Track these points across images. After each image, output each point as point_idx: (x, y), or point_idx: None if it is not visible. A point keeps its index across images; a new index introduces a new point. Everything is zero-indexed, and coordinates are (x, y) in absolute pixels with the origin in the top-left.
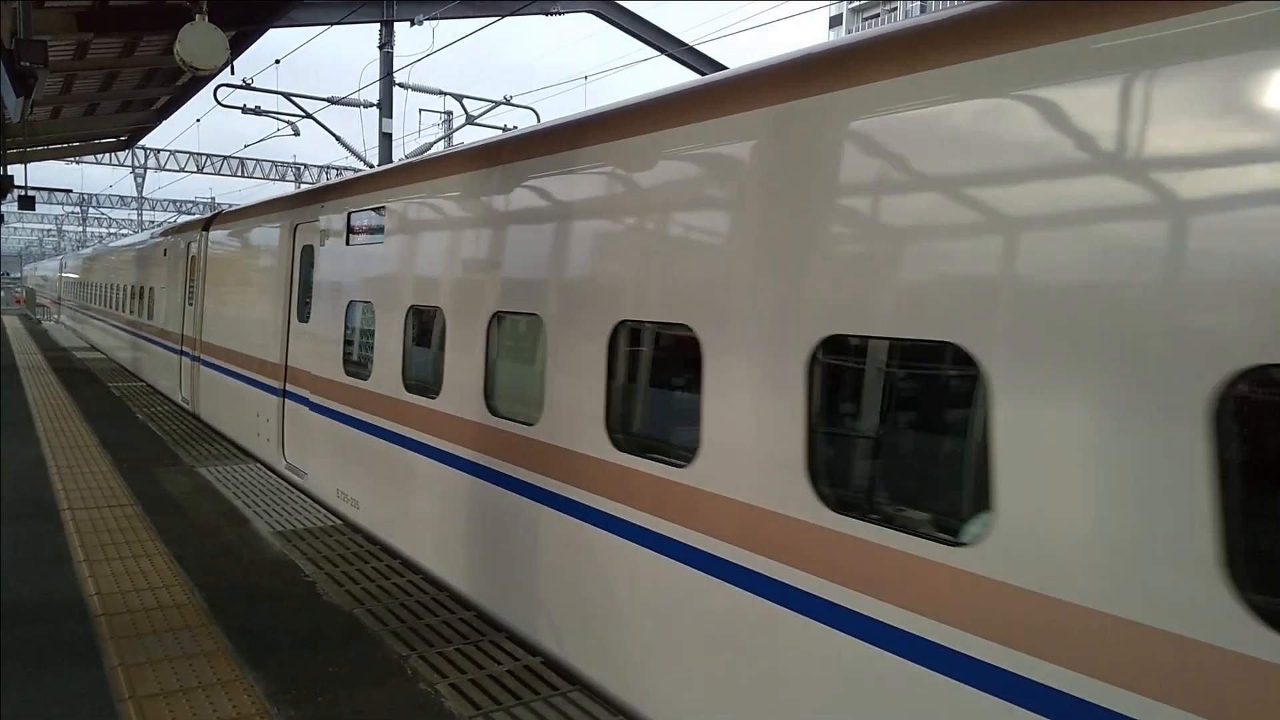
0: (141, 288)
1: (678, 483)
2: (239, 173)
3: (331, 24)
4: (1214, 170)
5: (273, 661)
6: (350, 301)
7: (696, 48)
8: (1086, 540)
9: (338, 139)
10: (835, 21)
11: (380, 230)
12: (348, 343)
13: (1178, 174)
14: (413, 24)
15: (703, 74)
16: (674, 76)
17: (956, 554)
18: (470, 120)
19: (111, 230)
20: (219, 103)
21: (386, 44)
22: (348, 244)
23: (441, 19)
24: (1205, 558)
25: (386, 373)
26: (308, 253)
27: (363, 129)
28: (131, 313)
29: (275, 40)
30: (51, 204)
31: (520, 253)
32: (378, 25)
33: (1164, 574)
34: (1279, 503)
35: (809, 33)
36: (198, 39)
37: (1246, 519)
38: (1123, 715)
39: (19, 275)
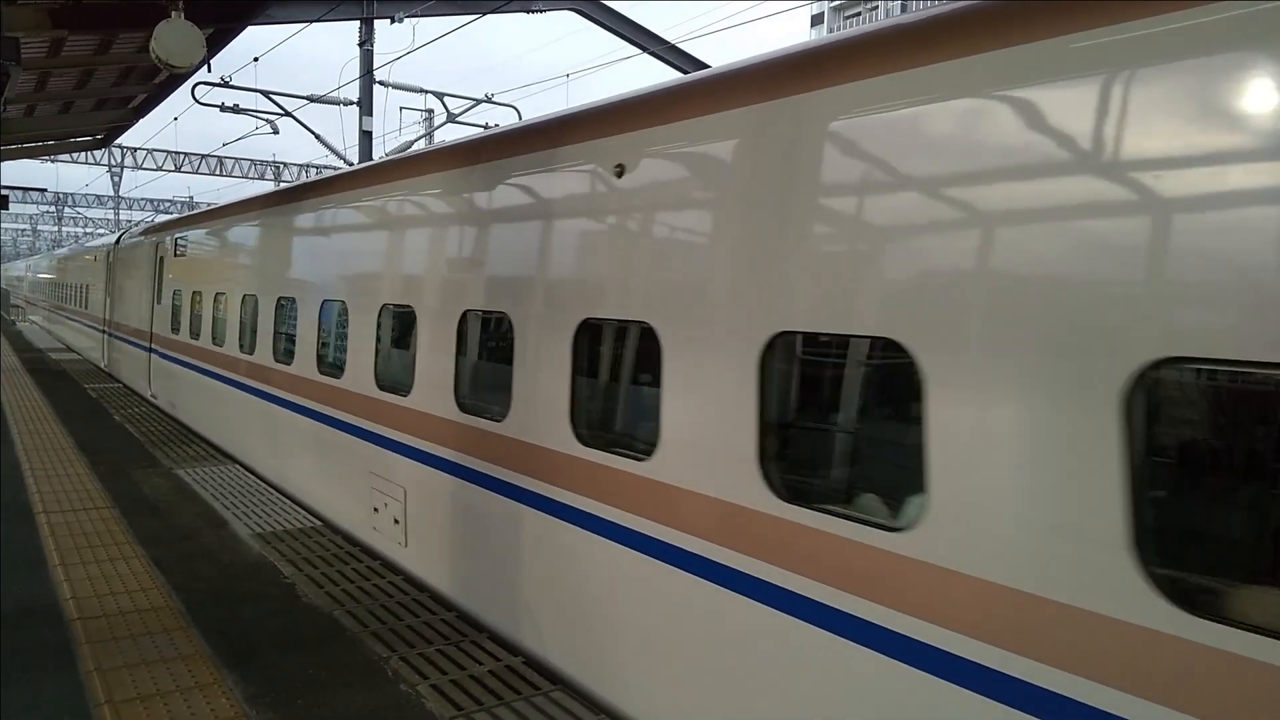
0: (79, 285)
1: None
2: (217, 171)
3: (310, 21)
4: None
5: (252, 664)
6: (175, 289)
7: (678, 46)
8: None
9: (317, 137)
10: (817, 20)
11: (185, 248)
12: (173, 311)
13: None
14: (393, 21)
15: (685, 72)
16: (656, 75)
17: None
18: (451, 118)
19: (88, 230)
20: (197, 101)
21: (366, 41)
22: (175, 256)
23: (422, 16)
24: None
25: (185, 328)
26: (161, 260)
27: (343, 127)
28: (74, 304)
29: (254, 38)
30: (26, 203)
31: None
32: (357, 22)
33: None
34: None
35: (791, 32)
36: (174, 36)
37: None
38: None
39: None
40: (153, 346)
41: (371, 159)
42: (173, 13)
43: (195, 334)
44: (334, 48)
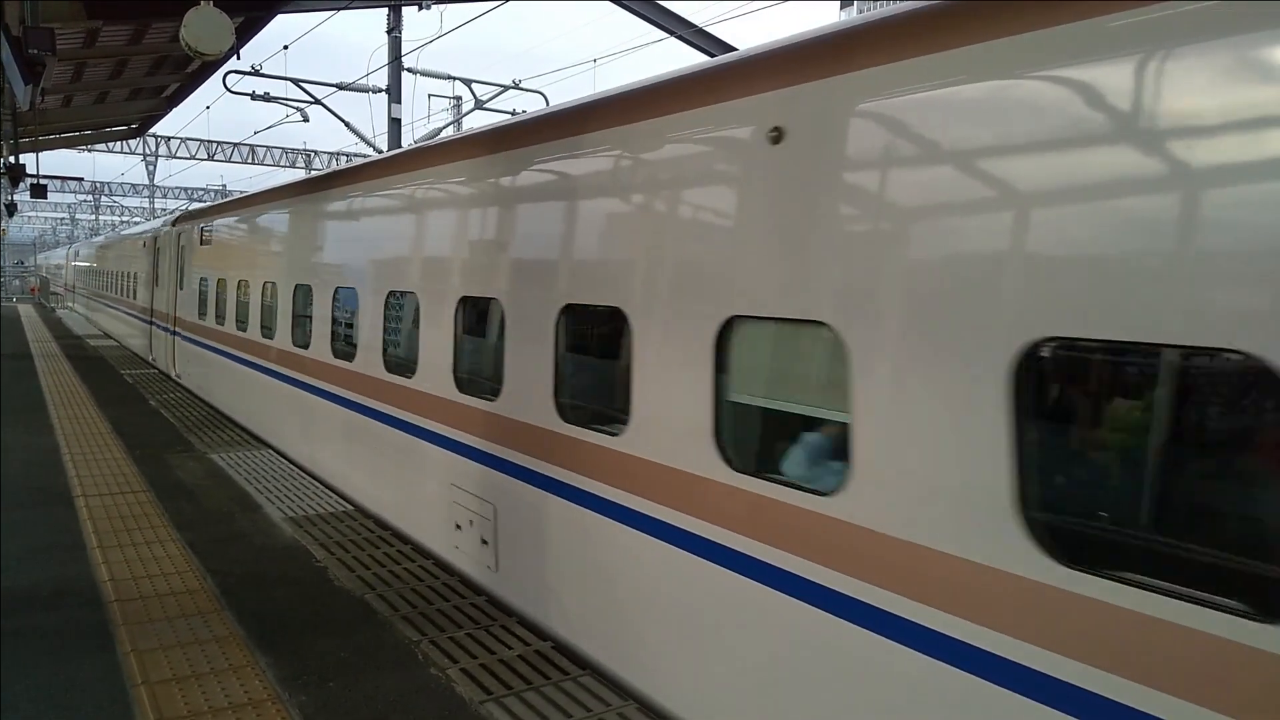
0: (61, 269)
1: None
2: (249, 160)
3: (339, 8)
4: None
5: (284, 647)
6: (77, 274)
7: (706, 29)
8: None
9: (347, 125)
10: (846, 1)
11: (79, 256)
12: (76, 279)
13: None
14: (420, 8)
15: (713, 55)
16: (684, 59)
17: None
18: (479, 105)
19: (124, 219)
20: (228, 89)
21: (395, 28)
22: (79, 256)
23: (449, 3)
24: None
25: (83, 287)
26: (75, 256)
27: (371, 114)
28: (68, 284)
29: (283, 25)
30: (64, 192)
31: (102, 265)
32: (385, 9)
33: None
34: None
35: (822, 13)
36: (202, 23)
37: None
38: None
39: (32, 264)
40: (75, 291)
41: (400, 146)
42: (202, 0)
43: (75, 286)
44: (363, 35)
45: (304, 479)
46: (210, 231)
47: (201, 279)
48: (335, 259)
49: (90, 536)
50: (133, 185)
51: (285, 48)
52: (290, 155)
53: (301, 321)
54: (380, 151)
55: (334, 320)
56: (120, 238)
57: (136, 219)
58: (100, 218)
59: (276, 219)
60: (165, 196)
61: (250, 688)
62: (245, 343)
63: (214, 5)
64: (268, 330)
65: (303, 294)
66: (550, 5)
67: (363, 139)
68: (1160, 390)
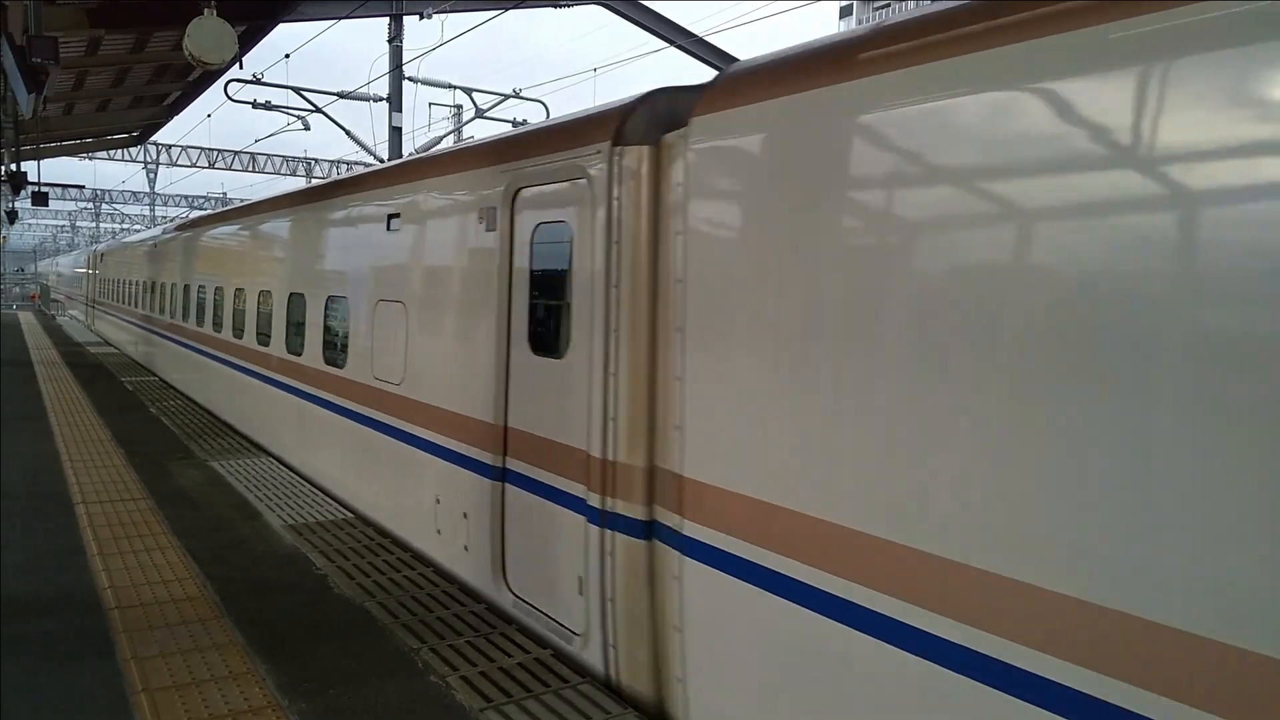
0: (45, 275)
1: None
2: (250, 168)
3: (340, 17)
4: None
5: (284, 654)
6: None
7: (706, 39)
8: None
9: (348, 133)
10: (846, 12)
11: (61, 269)
12: (59, 281)
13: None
14: (421, 17)
15: (716, 67)
16: (684, 68)
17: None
18: (480, 113)
19: (124, 226)
20: (229, 98)
21: (395, 37)
22: (57, 267)
23: (450, 12)
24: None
25: (61, 285)
26: (56, 265)
27: (372, 122)
28: (53, 286)
29: (285, 34)
30: (65, 200)
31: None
32: (386, 19)
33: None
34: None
35: (819, 23)
36: (206, 33)
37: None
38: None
39: (32, 270)
40: (65, 297)
41: (401, 155)
42: (205, 10)
43: (56, 285)
44: (364, 44)
45: (304, 486)
46: (101, 255)
47: (101, 280)
48: (151, 271)
49: (90, 543)
50: (134, 193)
51: (287, 56)
52: (291, 163)
53: (128, 293)
54: (381, 160)
55: (139, 289)
56: (74, 255)
57: (137, 226)
58: (101, 225)
59: (119, 252)
60: (166, 204)
61: (250, 695)
62: (111, 305)
63: (217, 15)
64: (118, 297)
65: (133, 284)
66: (551, 15)
67: (364, 147)
68: None
